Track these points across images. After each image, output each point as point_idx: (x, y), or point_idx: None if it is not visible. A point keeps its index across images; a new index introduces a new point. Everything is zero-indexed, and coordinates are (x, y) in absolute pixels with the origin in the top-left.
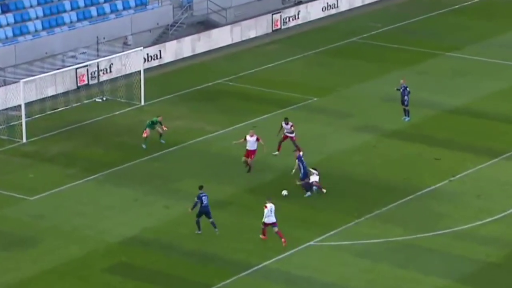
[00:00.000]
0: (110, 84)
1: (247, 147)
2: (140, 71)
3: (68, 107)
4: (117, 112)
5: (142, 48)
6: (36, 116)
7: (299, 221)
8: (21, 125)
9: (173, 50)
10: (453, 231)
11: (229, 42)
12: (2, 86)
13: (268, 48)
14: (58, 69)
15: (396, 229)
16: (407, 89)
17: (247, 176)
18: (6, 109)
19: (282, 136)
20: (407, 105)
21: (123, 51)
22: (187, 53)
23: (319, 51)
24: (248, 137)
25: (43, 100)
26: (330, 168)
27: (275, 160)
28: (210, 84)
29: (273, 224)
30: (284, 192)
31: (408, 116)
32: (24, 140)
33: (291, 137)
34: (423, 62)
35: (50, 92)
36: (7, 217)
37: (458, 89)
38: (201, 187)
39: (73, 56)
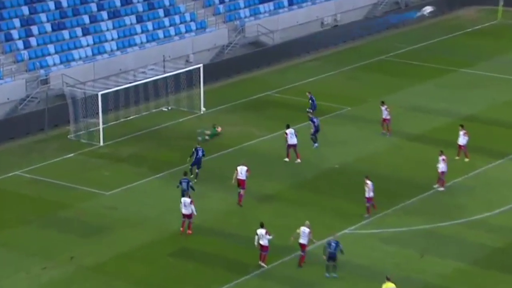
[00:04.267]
0: (174, 95)
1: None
2: (200, 84)
3: (138, 115)
4: (181, 120)
5: (201, 65)
6: (111, 123)
7: (335, 212)
8: (99, 131)
9: (228, 67)
10: (467, 221)
11: (277, 59)
12: (83, 97)
13: (309, 65)
14: (130, 83)
15: (418, 219)
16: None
17: (290, 173)
18: (86, 117)
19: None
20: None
21: (185, 68)
22: (240, 69)
23: (352, 67)
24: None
25: (117, 109)
26: (361, 166)
27: (315, 158)
28: (260, 95)
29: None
30: None
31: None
32: (101, 143)
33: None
34: (441, 76)
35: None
36: (86, 209)
37: (471, 99)
38: (185, 173)
39: (143, 72)
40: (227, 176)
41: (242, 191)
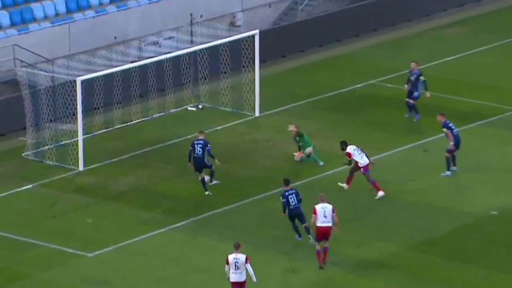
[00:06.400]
0: (208, 85)
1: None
2: (254, 65)
3: (146, 119)
4: (219, 127)
5: (257, 31)
6: (98, 132)
7: None
8: (76, 145)
9: (301, 35)
10: None
11: (389, 22)
12: (50, 86)
13: (448, 33)
14: (132, 61)
15: None
16: (421, 77)
17: (410, 223)
18: (55, 120)
19: None
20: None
21: (229, 36)
22: (323, 38)
23: None
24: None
25: (109, 108)
26: None
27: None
28: (358, 85)
29: None
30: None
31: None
32: (81, 167)
33: None
34: None
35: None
36: (55, 282)
37: None
38: (287, 182)
39: (155, 43)
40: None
41: (326, 244)
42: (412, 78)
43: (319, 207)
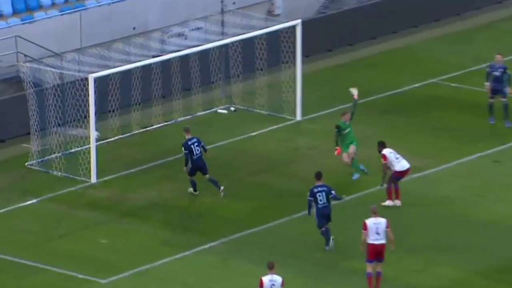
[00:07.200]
0: (242, 84)
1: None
2: (295, 60)
3: (169, 123)
4: (254, 133)
5: (299, 21)
6: (114, 139)
7: None
8: (88, 153)
9: (351, 25)
10: None
11: (451, 11)
12: (58, 84)
13: None
14: (154, 56)
15: None
16: (507, 71)
17: (477, 244)
18: (63, 124)
19: None
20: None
21: (266, 27)
22: (376, 30)
23: None
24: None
25: (126, 110)
26: None
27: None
28: (417, 85)
29: None
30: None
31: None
32: (93, 179)
33: None
34: None
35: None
36: None
37: None
38: (318, 176)
39: (180, 34)
40: (344, 251)
41: (379, 267)
42: (497, 73)
43: (370, 222)
